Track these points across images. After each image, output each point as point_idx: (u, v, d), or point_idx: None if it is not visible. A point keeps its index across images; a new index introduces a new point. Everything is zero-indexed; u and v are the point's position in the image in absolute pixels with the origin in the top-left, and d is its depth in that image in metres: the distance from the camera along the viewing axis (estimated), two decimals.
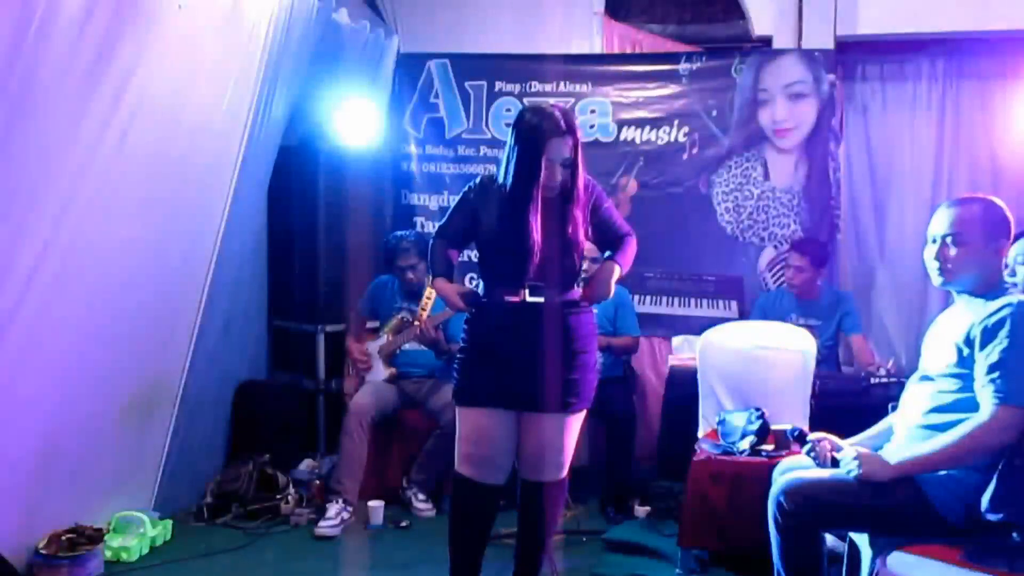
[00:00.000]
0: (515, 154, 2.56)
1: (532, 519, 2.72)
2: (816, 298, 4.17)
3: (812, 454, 2.50)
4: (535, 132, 2.53)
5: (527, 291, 2.57)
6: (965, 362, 2.21)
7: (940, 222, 2.31)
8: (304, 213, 4.32)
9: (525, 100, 4.75)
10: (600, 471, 4.13)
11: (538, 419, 2.60)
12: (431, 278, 2.83)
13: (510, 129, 2.60)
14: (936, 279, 2.33)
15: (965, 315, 2.25)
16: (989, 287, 2.27)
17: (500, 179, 2.62)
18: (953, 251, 2.27)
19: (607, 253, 2.77)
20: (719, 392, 3.50)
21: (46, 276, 2.82)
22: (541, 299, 2.58)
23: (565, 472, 2.69)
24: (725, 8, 4.97)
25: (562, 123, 2.53)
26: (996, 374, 2.13)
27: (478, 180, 2.72)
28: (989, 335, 2.16)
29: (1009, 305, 2.16)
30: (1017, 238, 2.83)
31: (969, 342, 2.20)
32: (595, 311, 4.07)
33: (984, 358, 2.16)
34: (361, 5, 4.56)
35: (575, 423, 2.67)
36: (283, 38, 3.72)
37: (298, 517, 3.75)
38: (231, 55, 3.49)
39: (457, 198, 2.74)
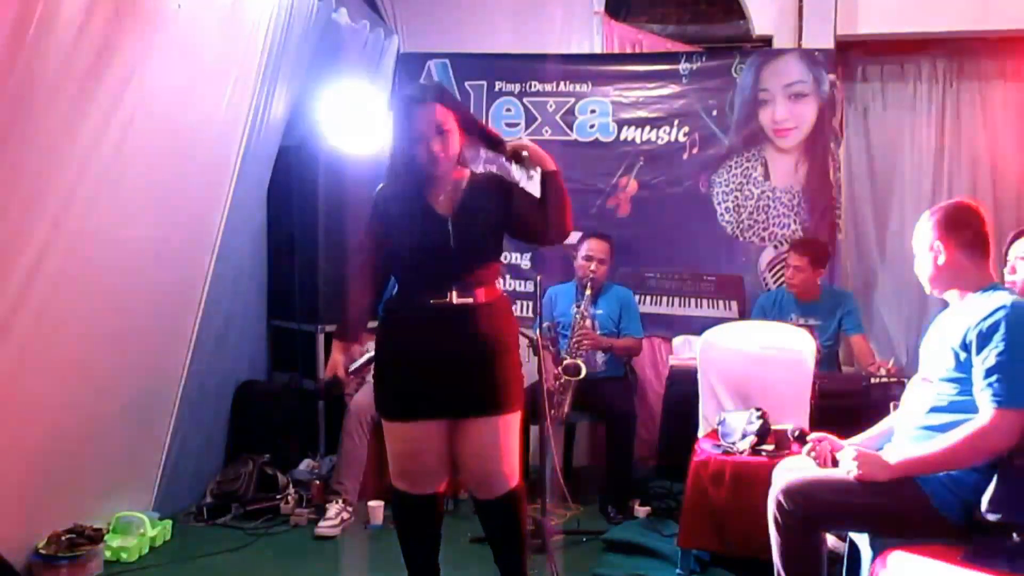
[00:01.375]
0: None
1: (498, 536, 2.63)
2: (816, 298, 4.17)
3: (812, 454, 2.50)
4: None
5: (455, 292, 2.44)
6: (963, 366, 2.22)
7: (915, 235, 2.39)
8: (304, 213, 4.32)
9: (525, 100, 4.75)
10: (600, 471, 4.13)
11: (473, 425, 2.48)
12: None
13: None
14: (925, 288, 2.38)
15: (961, 316, 2.26)
16: (978, 285, 2.28)
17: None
18: (921, 260, 2.34)
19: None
20: (719, 392, 3.49)
21: (46, 275, 2.82)
22: (469, 299, 2.45)
23: (516, 481, 2.56)
24: (725, 8, 4.97)
25: (428, 93, 2.44)
26: (994, 378, 2.13)
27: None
28: (985, 338, 2.16)
29: (1003, 307, 2.16)
30: (1017, 237, 2.83)
31: (966, 346, 2.20)
32: (598, 312, 4.14)
33: (981, 362, 2.16)
34: (361, 5, 4.56)
35: (511, 425, 2.53)
36: (283, 38, 3.72)
37: (298, 517, 3.75)
38: (231, 55, 3.50)
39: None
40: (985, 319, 2.17)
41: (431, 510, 2.62)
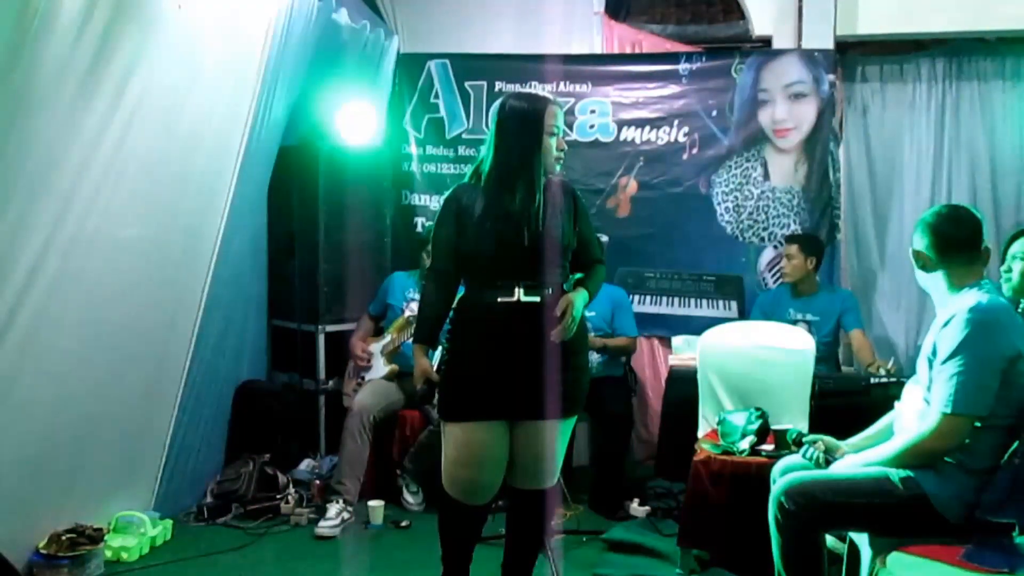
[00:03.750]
0: (509, 135, 2.50)
1: (527, 528, 2.65)
2: (814, 293, 4.19)
3: (808, 455, 2.51)
4: (534, 104, 2.52)
5: (522, 291, 2.46)
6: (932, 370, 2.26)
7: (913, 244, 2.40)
8: (304, 213, 4.32)
9: None
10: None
11: (536, 427, 2.50)
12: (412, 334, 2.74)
13: (495, 118, 2.55)
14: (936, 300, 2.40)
15: (938, 320, 2.29)
16: (949, 287, 2.30)
17: (486, 170, 2.52)
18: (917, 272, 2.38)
19: (577, 275, 2.65)
20: (719, 392, 3.49)
21: (46, 275, 2.82)
22: (537, 298, 2.46)
23: (555, 480, 2.61)
24: (725, 8, 4.97)
25: (548, 97, 2.57)
26: (945, 382, 2.17)
27: (454, 189, 2.62)
28: (942, 343, 2.20)
29: (963, 309, 2.19)
30: (1017, 236, 2.84)
31: (934, 351, 2.24)
32: (590, 314, 4.12)
33: (938, 363, 2.20)
34: (361, 5, 4.56)
35: (567, 430, 2.59)
36: (283, 38, 3.72)
37: (298, 517, 3.75)
38: (231, 55, 3.50)
39: (436, 218, 2.62)
40: (945, 324, 2.21)
41: (478, 519, 2.63)
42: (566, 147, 2.59)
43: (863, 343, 4.10)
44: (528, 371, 2.45)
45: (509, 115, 2.52)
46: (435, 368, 2.62)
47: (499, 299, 2.46)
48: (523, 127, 2.49)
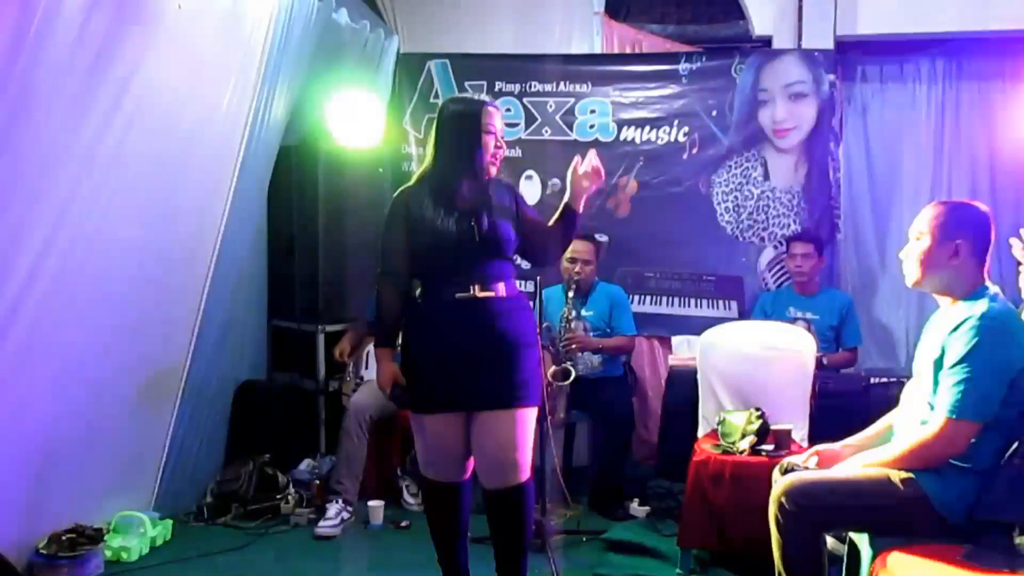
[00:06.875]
0: (450, 134, 2.60)
1: (501, 529, 2.67)
2: (816, 292, 4.19)
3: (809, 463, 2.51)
4: (471, 106, 2.62)
5: (478, 286, 2.55)
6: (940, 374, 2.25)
7: (920, 220, 2.36)
8: (304, 213, 4.32)
9: (525, 100, 4.75)
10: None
11: (491, 418, 2.56)
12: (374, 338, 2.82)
13: (435, 122, 2.64)
14: (910, 276, 2.36)
15: (944, 321, 2.28)
16: (964, 289, 2.28)
17: (430, 172, 2.63)
18: (908, 249, 2.34)
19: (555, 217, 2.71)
20: (719, 392, 3.50)
21: (46, 276, 2.82)
22: (492, 293, 2.57)
23: (527, 474, 2.63)
24: (725, 8, 4.97)
25: (487, 100, 2.66)
26: (952, 387, 2.16)
27: (399, 193, 2.70)
28: (951, 347, 2.19)
29: (974, 316, 2.18)
30: None
31: (942, 355, 2.23)
32: (588, 314, 4.13)
33: (946, 367, 2.19)
34: (361, 5, 4.56)
35: (528, 419, 2.62)
36: (283, 38, 3.72)
37: (298, 517, 3.75)
38: (231, 55, 3.50)
39: (385, 221, 2.69)
40: (957, 328, 2.19)
41: (456, 498, 2.71)
42: (504, 148, 2.68)
43: (849, 360, 4.10)
44: (481, 365, 2.55)
45: (448, 118, 2.62)
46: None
47: (457, 295, 2.56)
48: (462, 128, 2.59)
